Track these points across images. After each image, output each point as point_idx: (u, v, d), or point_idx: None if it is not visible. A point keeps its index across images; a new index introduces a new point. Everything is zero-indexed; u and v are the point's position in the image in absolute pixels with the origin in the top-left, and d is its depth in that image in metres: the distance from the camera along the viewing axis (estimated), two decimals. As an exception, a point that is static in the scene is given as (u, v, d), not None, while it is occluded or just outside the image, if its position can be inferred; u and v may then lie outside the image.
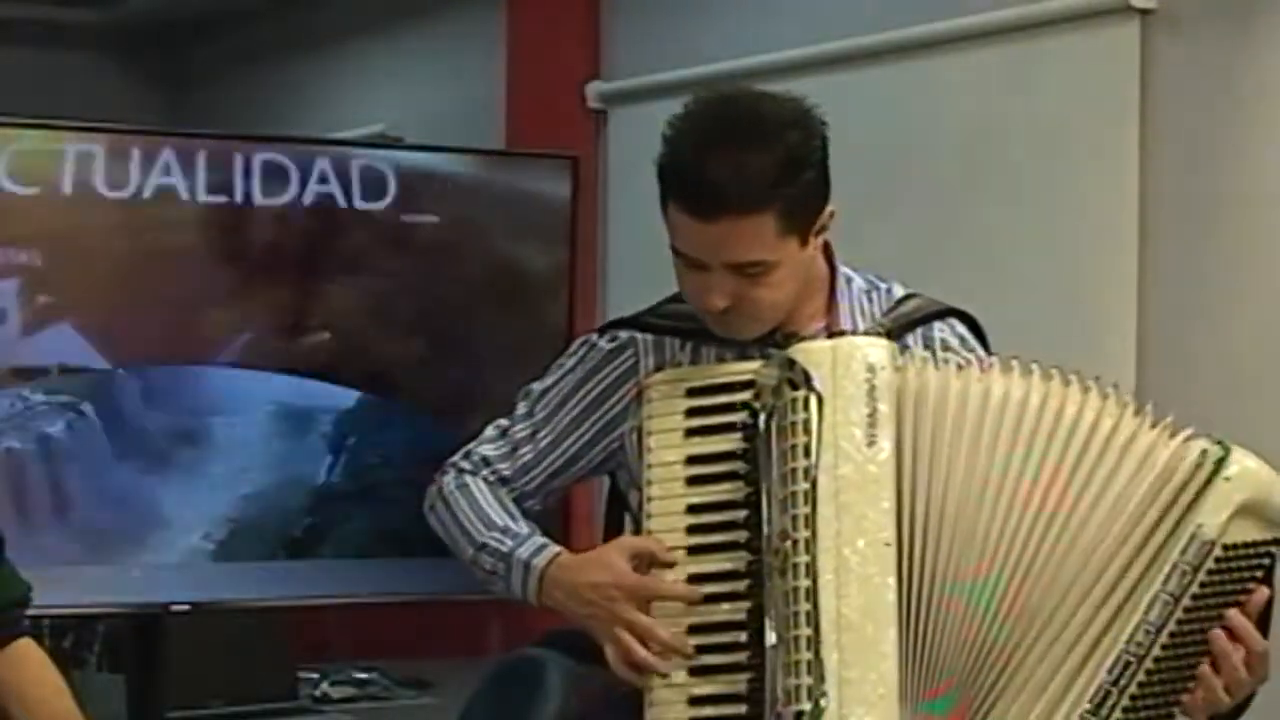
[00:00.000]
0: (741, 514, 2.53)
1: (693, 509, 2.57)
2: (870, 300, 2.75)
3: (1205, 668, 2.46)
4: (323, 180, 4.73)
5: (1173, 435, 2.51)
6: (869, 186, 4.25)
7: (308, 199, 4.71)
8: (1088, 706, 2.47)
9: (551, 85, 5.38)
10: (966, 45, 4.31)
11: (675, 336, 2.71)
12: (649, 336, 2.73)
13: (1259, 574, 2.49)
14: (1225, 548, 2.46)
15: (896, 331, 2.67)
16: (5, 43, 6.96)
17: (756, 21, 4.89)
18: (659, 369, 2.69)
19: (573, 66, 5.36)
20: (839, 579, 2.44)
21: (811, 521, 2.45)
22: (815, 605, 2.43)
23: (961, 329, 2.76)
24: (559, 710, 2.64)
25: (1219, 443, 2.49)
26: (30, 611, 2.93)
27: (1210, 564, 2.46)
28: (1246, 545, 2.47)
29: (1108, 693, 2.46)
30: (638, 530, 2.66)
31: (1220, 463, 2.47)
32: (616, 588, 2.58)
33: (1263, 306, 3.77)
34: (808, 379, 2.50)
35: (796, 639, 2.44)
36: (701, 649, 2.54)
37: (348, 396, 4.73)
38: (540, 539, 2.72)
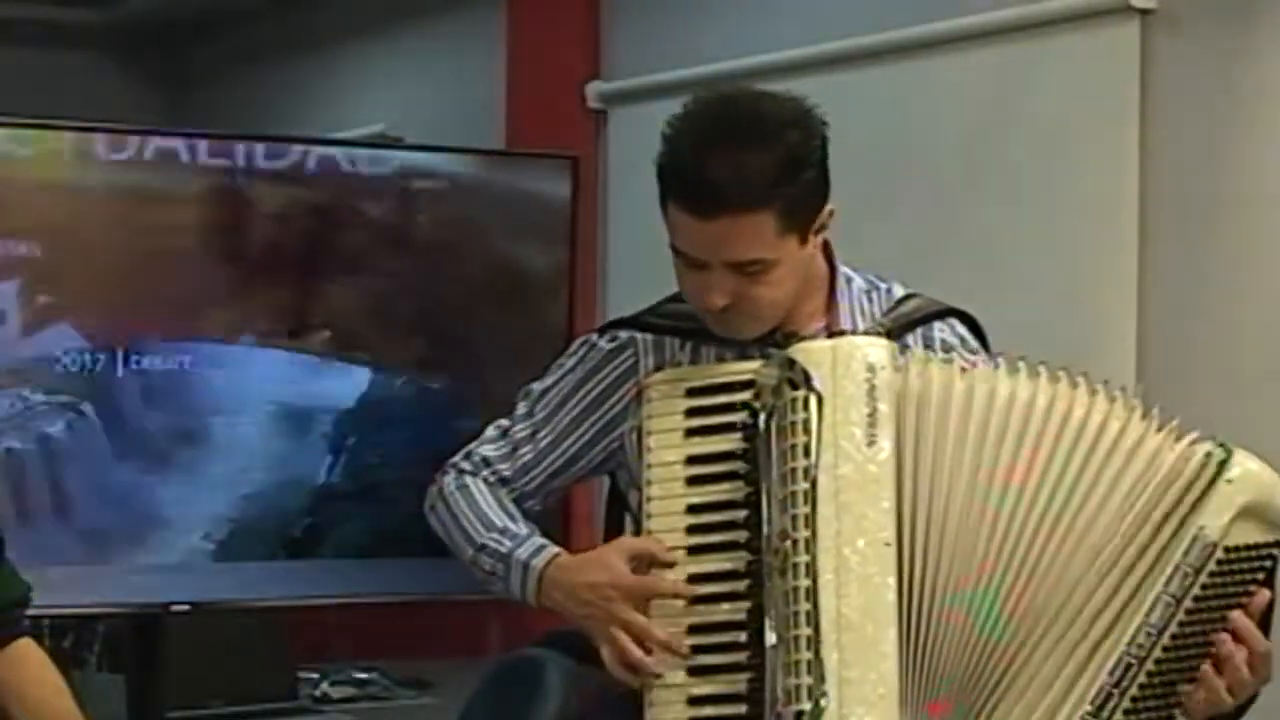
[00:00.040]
0: (741, 514, 2.53)
1: (692, 509, 2.57)
2: (870, 300, 2.75)
3: (1208, 668, 2.46)
4: (322, 180, 4.73)
5: (1178, 438, 2.51)
6: (869, 186, 4.25)
7: (307, 199, 4.71)
8: (1089, 708, 2.47)
9: (551, 85, 5.38)
10: (966, 45, 4.31)
11: (675, 336, 2.71)
12: (649, 336, 2.73)
13: (1260, 576, 2.49)
14: (1227, 550, 2.46)
15: (896, 331, 2.67)
16: (5, 43, 6.96)
17: (756, 21, 4.89)
18: (659, 369, 2.69)
19: (573, 66, 5.36)
20: (839, 579, 2.44)
21: (811, 521, 2.45)
22: (815, 605, 2.43)
23: (962, 329, 2.76)
24: (559, 710, 2.64)
25: (1221, 445, 2.49)
26: (30, 611, 2.93)
27: (1212, 566, 2.46)
28: (1248, 547, 2.47)
29: (1109, 694, 2.46)
30: (638, 530, 2.65)
31: (1222, 465, 2.47)
32: (614, 588, 2.58)
33: (1263, 306, 3.77)
34: (808, 379, 2.50)
35: (796, 639, 2.44)
36: (701, 649, 2.54)
37: (348, 396, 4.73)
38: (539, 540, 2.72)
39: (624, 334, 2.76)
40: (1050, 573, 2.48)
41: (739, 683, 2.51)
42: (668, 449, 2.59)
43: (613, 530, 2.76)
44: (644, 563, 2.59)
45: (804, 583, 2.44)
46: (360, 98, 6.30)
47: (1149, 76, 3.95)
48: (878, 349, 2.53)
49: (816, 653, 2.43)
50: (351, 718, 4.74)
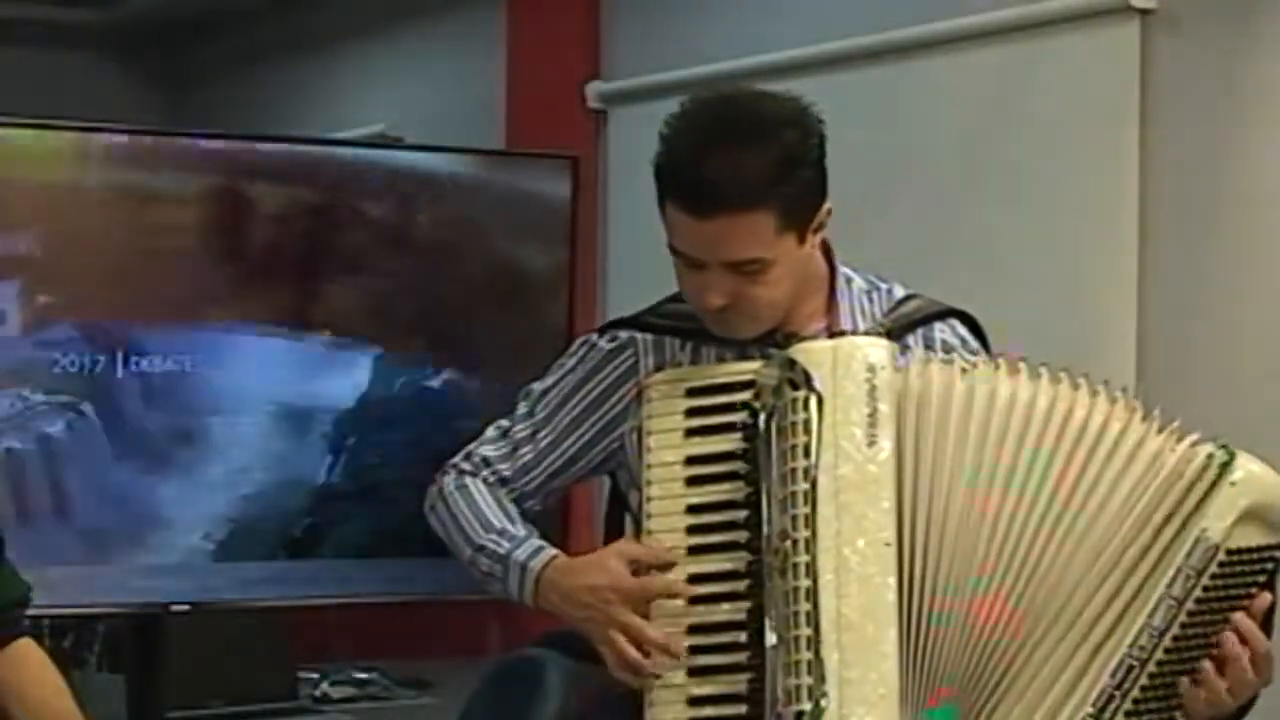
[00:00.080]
0: (741, 514, 2.53)
1: (693, 509, 2.57)
2: (871, 300, 2.75)
3: (1209, 668, 2.46)
4: (323, 180, 4.73)
5: (1180, 440, 2.50)
6: (869, 187, 4.25)
7: (307, 199, 4.71)
8: (1090, 710, 2.46)
9: (551, 85, 5.38)
10: (966, 45, 4.31)
11: (675, 336, 2.71)
12: (649, 336, 2.73)
13: (1262, 578, 2.49)
14: (1229, 552, 2.46)
15: (897, 332, 2.66)
16: (5, 43, 6.96)
17: (756, 21, 4.89)
18: (659, 369, 2.69)
19: (573, 66, 5.37)
20: (839, 579, 2.44)
21: (811, 521, 2.45)
22: (815, 605, 2.43)
23: (962, 330, 2.76)
24: (559, 710, 2.64)
25: (1224, 447, 2.49)
26: (30, 611, 2.93)
27: (1214, 568, 2.46)
28: (1250, 550, 2.47)
29: (1111, 696, 2.46)
30: (638, 530, 2.65)
31: (1225, 467, 2.46)
32: (613, 590, 2.58)
33: (1263, 306, 3.77)
34: (808, 379, 2.50)
35: (797, 639, 2.44)
36: (701, 649, 2.54)
37: (348, 396, 4.73)
38: (537, 541, 2.72)
39: (624, 334, 2.76)
40: (1050, 573, 2.48)
41: (739, 683, 2.50)
42: (668, 449, 2.59)
43: (613, 531, 2.76)
44: (643, 567, 2.59)
45: (804, 583, 2.44)
46: (360, 98, 6.30)
47: (1149, 76, 3.95)
48: (878, 349, 2.53)
49: (817, 653, 2.43)
50: (351, 718, 4.74)
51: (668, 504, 2.58)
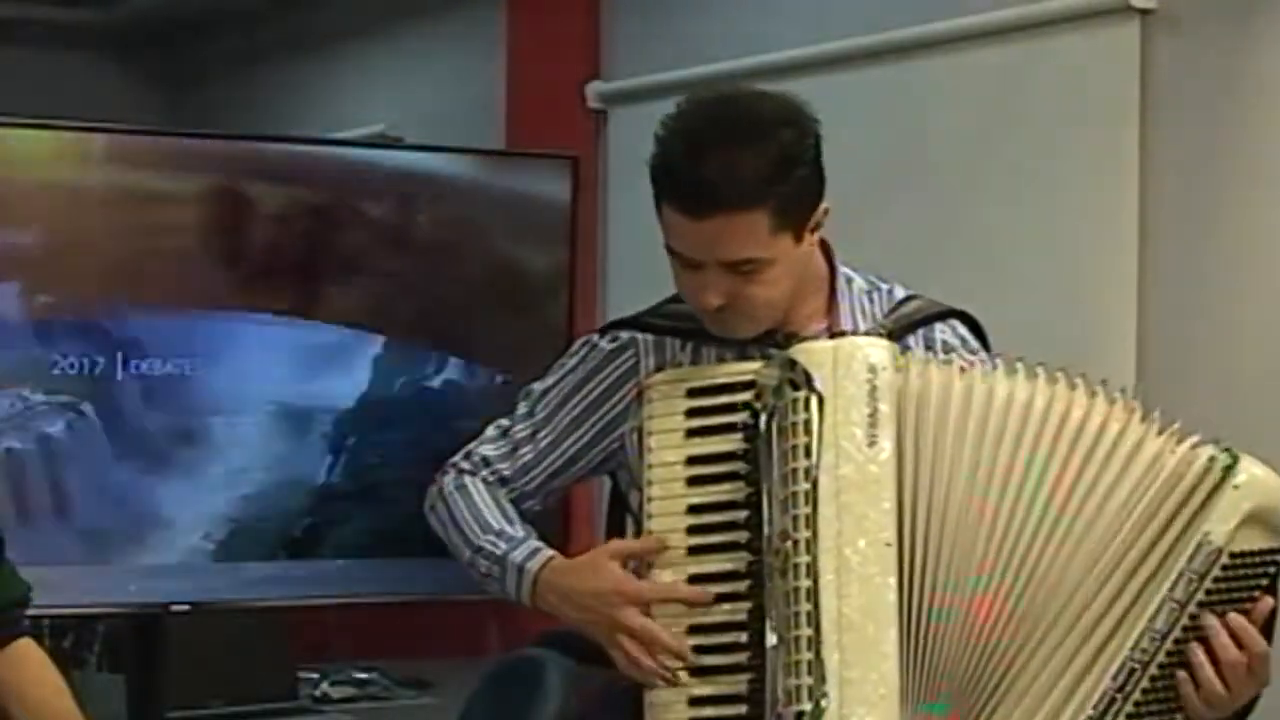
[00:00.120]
0: (742, 514, 2.53)
1: (693, 509, 2.57)
2: (871, 301, 2.75)
3: (1208, 671, 2.45)
4: (323, 180, 4.73)
5: (1180, 441, 2.50)
6: (869, 186, 4.25)
7: (308, 199, 4.71)
8: (1091, 712, 2.46)
9: (551, 85, 5.38)
10: (966, 45, 4.31)
11: (676, 337, 2.71)
12: (650, 337, 2.73)
13: (1264, 582, 2.48)
14: (1232, 555, 2.46)
15: (898, 333, 2.66)
16: (5, 43, 6.96)
17: (756, 21, 4.89)
18: (660, 369, 2.69)
19: (573, 66, 5.37)
20: (840, 579, 2.44)
21: (812, 522, 2.45)
22: (816, 605, 2.43)
23: (963, 330, 2.76)
24: (559, 710, 2.64)
25: (1226, 450, 2.49)
26: (30, 611, 2.93)
27: (1217, 571, 2.46)
28: (1253, 553, 2.47)
29: (1113, 699, 2.46)
30: (639, 531, 2.65)
31: (1228, 470, 2.46)
32: (617, 594, 2.58)
33: (1263, 306, 3.77)
34: (809, 379, 2.50)
35: (797, 639, 2.44)
36: (702, 649, 2.54)
37: (348, 396, 4.73)
38: (534, 543, 2.72)
39: (625, 334, 2.76)
40: (1050, 574, 2.48)
41: (740, 683, 2.50)
42: (668, 449, 2.59)
43: (614, 531, 2.76)
44: (642, 563, 2.59)
45: (805, 583, 2.44)
46: (360, 98, 6.30)
47: (1149, 76, 3.95)
48: (879, 349, 2.53)
49: (817, 653, 2.43)
50: (351, 718, 4.74)
51: (668, 504, 2.58)
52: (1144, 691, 2.46)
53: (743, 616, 2.51)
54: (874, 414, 2.49)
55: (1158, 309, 3.93)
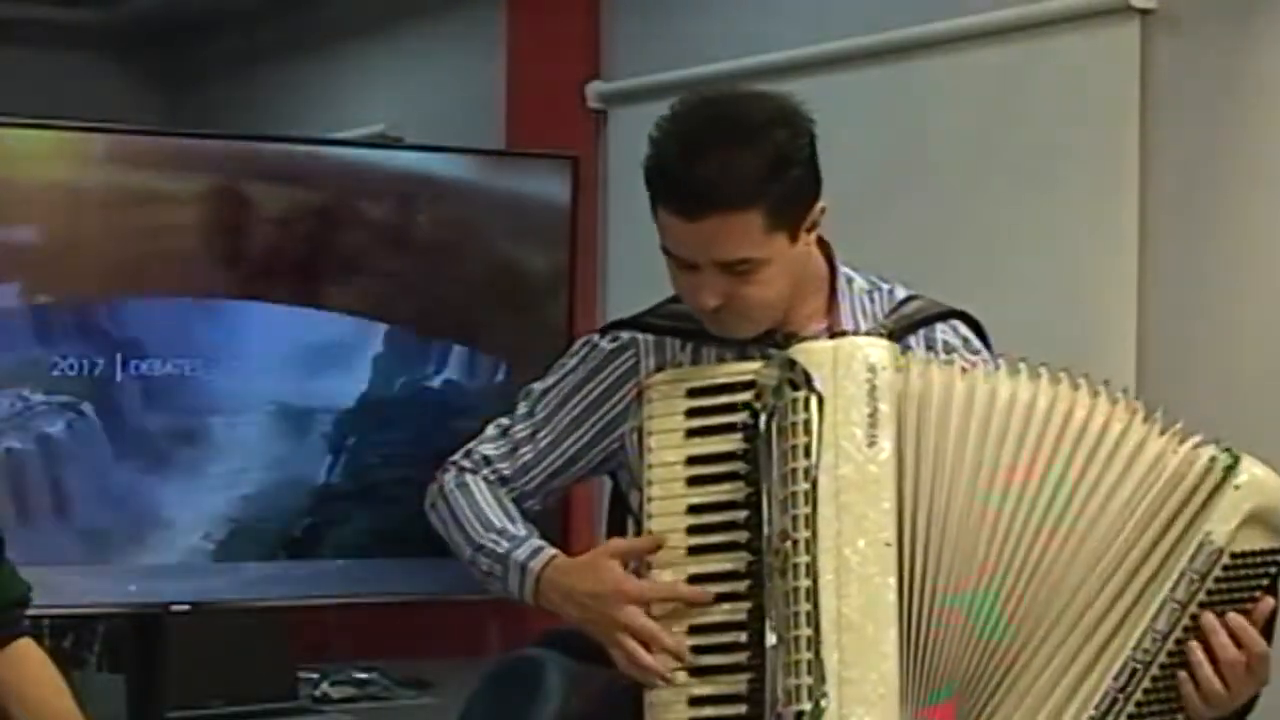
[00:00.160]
0: (742, 514, 2.53)
1: (693, 509, 2.57)
2: (872, 301, 2.75)
3: (1208, 671, 2.45)
4: (323, 180, 4.73)
5: (1181, 441, 2.50)
6: (869, 186, 4.26)
7: (308, 199, 4.71)
8: (1093, 712, 2.46)
9: (551, 85, 5.38)
10: (966, 45, 4.31)
11: (676, 337, 2.71)
12: (650, 337, 2.73)
13: (1265, 582, 2.48)
14: (1233, 555, 2.46)
15: (899, 333, 2.66)
16: (5, 43, 6.96)
17: (756, 21, 4.89)
18: (660, 369, 2.69)
19: (573, 66, 5.37)
20: (839, 579, 2.44)
21: (812, 522, 2.45)
22: (815, 605, 2.43)
23: (964, 330, 2.76)
24: (559, 710, 2.64)
25: (1227, 450, 2.49)
26: (30, 611, 2.93)
27: (1218, 572, 2.46)
28: (1254, 553, 2.47)
29: (1115, 699, 2.46)
30: (639, 531, 2.65)
31: (1229, 470, 2.46)
32: (618, 594, 2.58)
33: (1263, 306, 3.77)
34: (808, 379, 2.50)
35: (797, 639, 2.44)
36: (702, 649, 2.54)
37: (348, 396, 4.73)
38: (537, 541, 2.72)
39: (625, 334, 2.76)
40: (1051, 575, 2.48)
41: (739, 683, 2.50)
42: (668, 449, 2.59)
43: (615, 531, 2.75)
44: (641, 562, 2.59)
45: (804, 583, 2.44)
46: (360, 98, 6.30)
47: (1149, 76, 3.95)
48: (879, 349, 2.53)
49: (817, 653, 2.43)
50: (351, 718, 4.74)
51: (668, 504, 2.58)
52: (1145, 691, 2.46)
53: (742, 616, 2.51)
54: (874, 414, 2.49)
55: (1158, 309, 3.93)
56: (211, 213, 4.58)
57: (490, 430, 2.85)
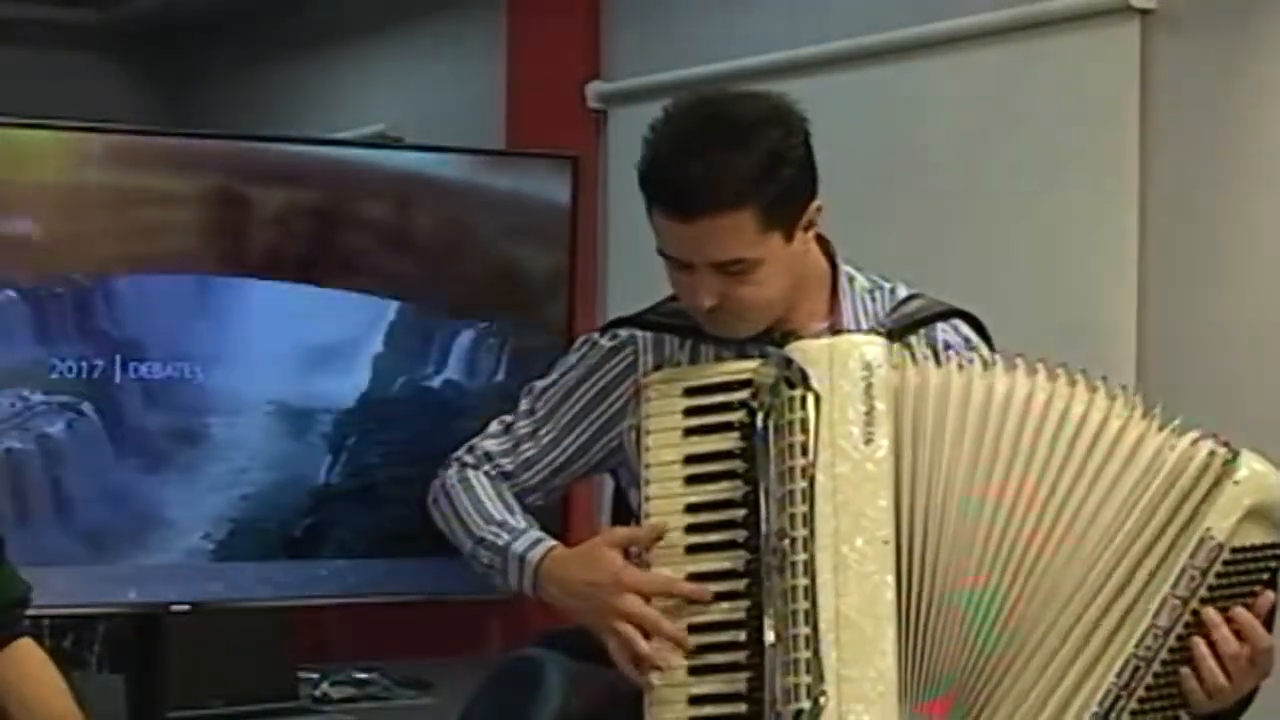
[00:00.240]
0: (740, 513, 2.53)
1: (691, 508, 2.57)
2: (874, 299, 2.75)
3: (1211, 663, 2.45)
4: (323, 180, 4.73)
5: (1179, 436, 2.50)
6: (869, 186, 4.26)
7: (308, 199, 4.71)
8: (1097, 709, 2.46)
9: (551, 85, 5.38)
10: (966, 45, 4.31)
11: (675, 335, 2.72)
12: (648, 335, 2.74)
13: (1265, 576, 2.49)
14: (1233, 551, 2.46)
15: (899, 332, 2.66)
16: (5, 43, 6.96)
17: (756, 22, 4.89)
18: (658, 367, 2.69)
19: (573, 66, 5.36)
20: (837, 577, 2.44)
21: (809, 520, 2.45)
22: (814, 603, 2.43)
23: (966, 329, 2.76)
24: (559, 710, 2.64)
25: (1226, 444, 2.49)
26: (30, 611, 2.93)
27: (1218, 567, 2.46)
28: (1254, 548, 2.47)
29: (1118, 696, 2.46)
30: (639, 529, 2.66)
31: (1229, 465, 2.46)
32: (616, 583, 2.58)
33: (1263, 307, 3.77)
34: (805, 377, 2.50)
35: (795, 637, 2.44)
36: (701, 648, 2.54)
37: (348, 396, 4.73)
38: (536, 533, 2.73)
39: (624, 332, 2.76)
40: (1049, 570, 2.48)
41: (738, 682, 2.50)
42: (666, 448, 2.59)
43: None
44: (642, 548, 2.59)
45: (802, 581, 2.44)
46: (360, 98, 6.30)
47: (1149, 76, 3.95)
48: (874, 347, 2.53)
49: (815, 651, 2.43)
50: (352, 718, 4.74)
51: (666, 503, 2.58)
52: (1148, 688, 2.47)
53: (741, 615, 2.51)
54: (870, 411, 2.49)
55: (1158, 308, 3.93)
56: (211, 213, 4.58)
57: (493, 426, 2.85)
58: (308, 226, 4.70)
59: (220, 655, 4.57)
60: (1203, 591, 2.46)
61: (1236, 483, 2.46)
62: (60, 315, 4.41)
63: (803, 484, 2.46)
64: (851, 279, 2.76)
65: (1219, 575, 2.46)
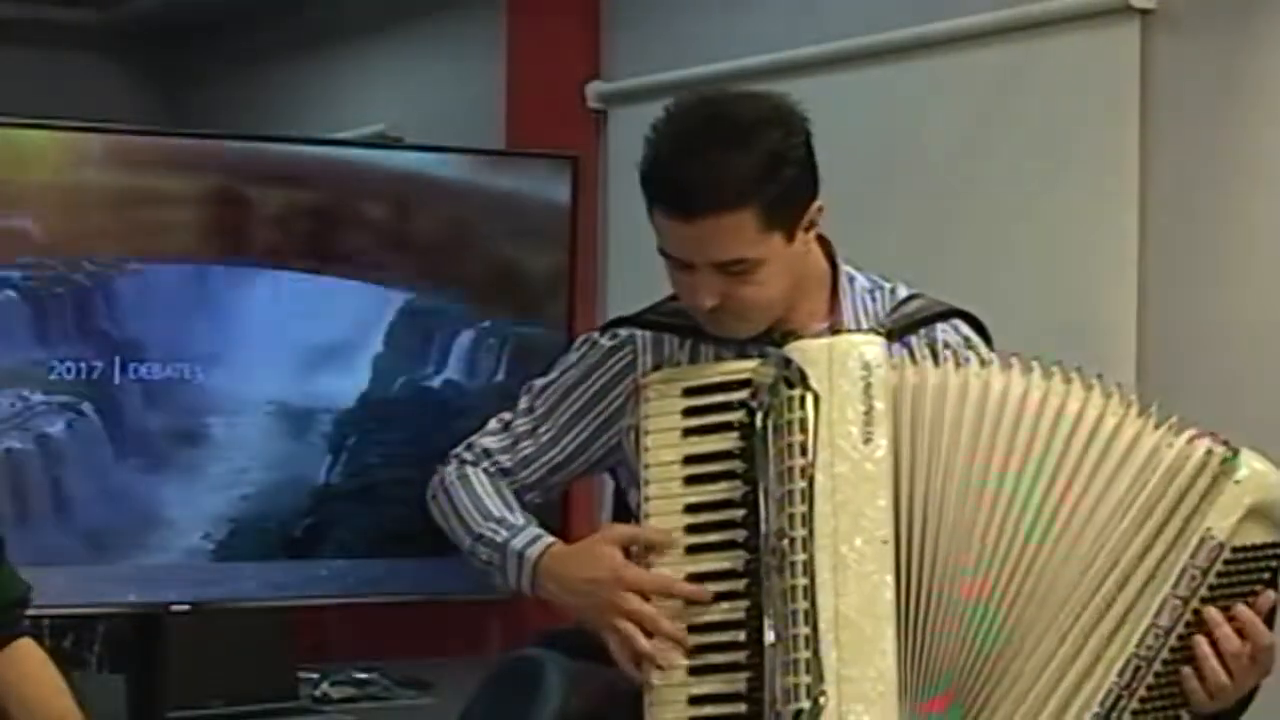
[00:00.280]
0: (739, 513, 2.53)
1: (690, 508, 2.57)
2: (874, 299, 2.75)
3: (1213, 662, 2.45)
4: (323, 180, 4.73)
5: (1177, 434, 2.50)
6: (869, 186, 4.26)
7: (308, 199, 4.71)
8: (1098, 709, 2.46)
9: (551, 85, 5.38)
10: (966, 45, 4.31)
11: (674, 334, 2.72)
12: (648, 334, 2.74)
13: (1266, 576, 2.49)
14: (1234, 550, 2.46)
15: (899, 332, 2.67)
16: (5, 43, 6.96)
17: (756, 21, 4.89)
18: (657, 367, 2.69)
19: (573, 66, 5.36)
20: (837, 577, 2.44)
21: (809, 520, 2.46)
22: (813, 603, 2.43)
23: (966, 329, 2.76)
24: (559, 710, 2.64)
25: (1225, 443, 2.49)
26: (30, 611, 2.93)
27: (1219, 567, 2.46)
28: (1254, 548, 2.47)
29: (1119, 696, 2.46)
30: (638, 530, 2.66)
31: (1227, 464, 2.46)
32: (615, 580, 2.58)
33: (1263, 307, 3.77)
34: (803, 377, 2.50)
35: (795, 637, 2.44)
36: (700, 648, 2.54)
37: (348, 396, 4.73)
38: (535, 530, 2.73)
39: (624, 332, 2.77)
40: (1047, 570, 2.48)
41: (738, 682, 2.51)
42: (665, 448, 2.59)
43: (618, 529, 2.76)
44: (642, 548, 2.59)
45: (802, 581, 2.44)
46: (360, 98, 6.30)
47: (1149, 76, 3.95)
48: (873, 346, 2.53)
49: (815, 651, 2.43)
50: (352, 718, 4.74)
51: (665, 503, 2.58)
52: (1149, 687, 2.47)
53: (740, 615, 2.51)
54: (869, 411, 2.49)
55: (1158, 308, 3.93)
56: (211, 213, 4.58)
57: (492, 424, 2.85)
58: (308, 226, 4.70)
59: (220, 655, 4.57)
60: (1203, 591, 2.46)
61: (1237, 482, 2.46)
62: (60, 315, 4.41)
63: (802, 484, 2.46)
64: (851, 279, 2.76)
65: (1219, 575, 2.46)
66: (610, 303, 5.11)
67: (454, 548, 2.81)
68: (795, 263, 2.64)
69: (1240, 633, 2.46)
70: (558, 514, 3.72)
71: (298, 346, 4.68)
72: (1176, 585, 2.46)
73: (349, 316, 4.73)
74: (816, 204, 2.63)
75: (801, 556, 2.45)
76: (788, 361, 2.51)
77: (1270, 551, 2.48)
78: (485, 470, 2.80)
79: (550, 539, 2.71)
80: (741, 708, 2.50)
